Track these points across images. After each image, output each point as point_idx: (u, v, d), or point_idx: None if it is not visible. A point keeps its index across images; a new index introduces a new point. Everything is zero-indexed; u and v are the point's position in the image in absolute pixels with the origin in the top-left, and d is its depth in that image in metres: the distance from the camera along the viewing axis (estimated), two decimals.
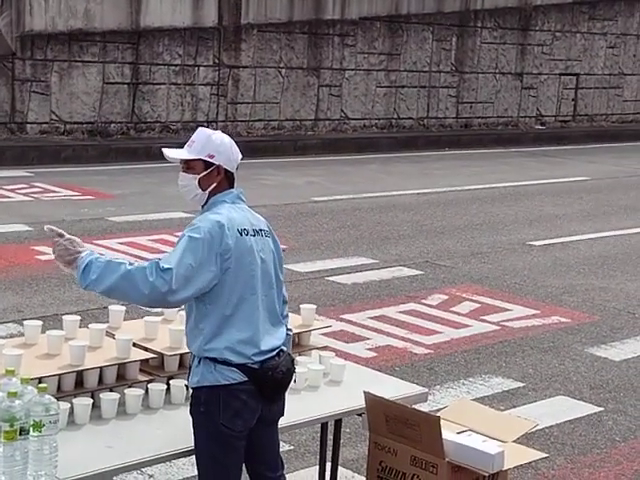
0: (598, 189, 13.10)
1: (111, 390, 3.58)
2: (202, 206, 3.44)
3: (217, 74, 14.32)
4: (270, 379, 3.34)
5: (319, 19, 15.16)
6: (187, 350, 3.78)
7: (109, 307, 4.12)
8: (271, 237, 3.50)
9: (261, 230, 3.44)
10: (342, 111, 15.76)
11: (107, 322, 4.04)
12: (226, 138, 3.46)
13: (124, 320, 4.08)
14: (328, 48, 15.39)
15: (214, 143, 3.41)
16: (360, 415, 3.92)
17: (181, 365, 3.79)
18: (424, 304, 7.43)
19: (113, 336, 3.77)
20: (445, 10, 16.56)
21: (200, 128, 3.54)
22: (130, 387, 3.63)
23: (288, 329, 3.57)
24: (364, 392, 3.74)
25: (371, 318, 7.01)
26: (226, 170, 3.42)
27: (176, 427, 3.51)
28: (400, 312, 7.20)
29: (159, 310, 4.14)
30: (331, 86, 15.56)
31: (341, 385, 4.04)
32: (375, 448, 3.76)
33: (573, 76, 18.73)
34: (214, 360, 3.29)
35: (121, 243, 8.58)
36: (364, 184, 12.30)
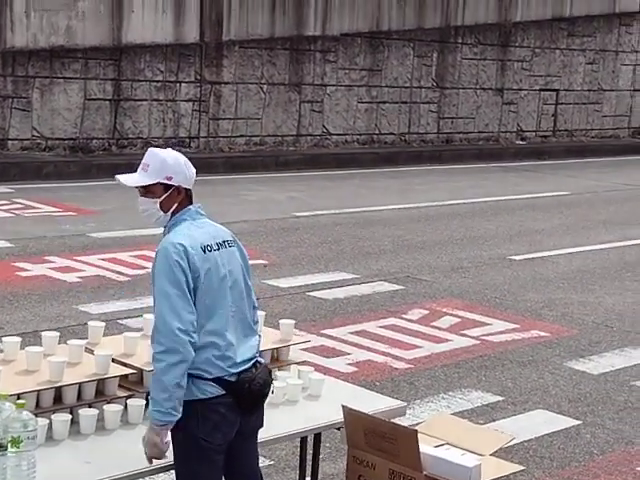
0: (578, 204, 13.20)
1: (90, 406, 3.59)
2: (165, 226, 3.45)
3: (199, 90, 14.36)
4: (247, 391, 3.36)
5: (300, 35, 15.25)
6: None
7: (88, 323, 4.13)
8: (236, 246, 3.49)
9: (224, 242, 3.44)
10: (324, 127, 15.83)
11: (87, 338, 4.05)
12: (180, 157, 3.43)
13: (104, 336, 4.09)
14: (309, 64, 15.47)
15: (169, 164, 3.38)
16: (339, 429, 3.94)
17: None
18: (404, 319, 7.46)
19: (92, 352, 3.78)
20: (426, 26, 16.68)
21: (150, 149, 3.48)
22: (109, 403, 3.64)
23: (257, 334, 3.57)
24: (342, 406, 3.76)
25: (352, 333, 7.04)
26: (185, 189, 3.42)
27: None
28: (381, 327, 7.23)
29: (139, 325, 4.15)
30: (312, 102, 15.63)
31: (320, 400, 4.07)
32: (354, 462, 3.78)
33: (553, 92, 18.89)
34: (190, 375, 3.29)
35: (102, 259, 8.58)
36: (345, 199, 12.35)
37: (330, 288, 8.13)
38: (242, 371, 3.37)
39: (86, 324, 4.33)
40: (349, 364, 6.40)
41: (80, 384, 3.58)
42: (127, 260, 8.60)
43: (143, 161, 3.42)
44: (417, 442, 3.58)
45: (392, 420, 3.98)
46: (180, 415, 3.24)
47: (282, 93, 15.25)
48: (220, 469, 3.43)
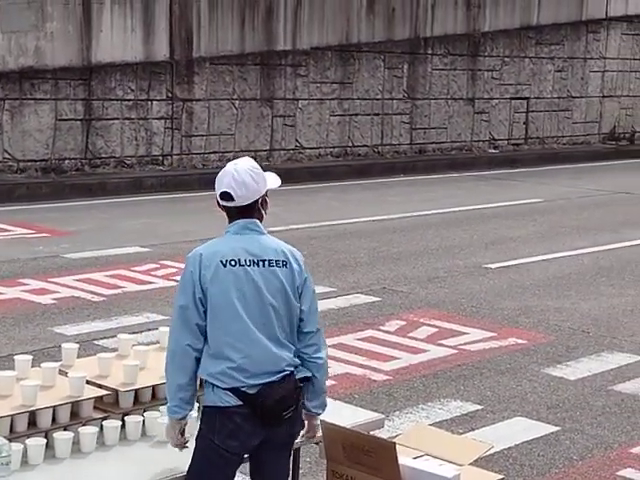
0: (551, 210, 13.27)
1: (65, 429, 3.56)
2: None
3: (171, 108, 14.34)
4: (260, 405, 3.43)
5: (271, 50, 15.27)
6: (142, 385, 3.78)
7: (62, 345, 4.10)
8: (286, 266, 3.50)
9: (264, 260, 3.48)
10: (297, 141, 15.85)
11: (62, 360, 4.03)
12: (221, 172, 3.54)
13: (78, 357, 4.06)
14: (281, 79, 15.49)
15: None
16: (317, 444, 3.93)
17: (136, 401, 3.79)
18: (382, 330, 7.46)
19: (66, 374, 3.75)
20: (395, 38, 16.76)
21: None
22: (84, 425, 3.61)
23: (313, 357, 3.57)
24: (320, 420, 3.75)
25: (329, 346, 6.98)
26: (222, 204, 3.54)
27: (132, 463, 3.50)
28: (358, 339, 7.23)
29: (114, 346, 4.13)
30: (285, 116, 15.65)
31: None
32: (333, 476, 3.77)
33: (523, 100, 19.02)
34: (211, 383, 3.45)
35: (77, 280, 8.53)
36: (320, 213, 12.36)
37: None
38: (264, 384, 3.43)
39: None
40: (327, 378, 6.38)
41: (54, 407, 3.55)
42: (102, 280, 8.55)
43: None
44: (396, 454, 3.57)
45: (371, 433, 3.98)
46: (187, 412, 3.46)
47: (254, 108, 15.26)
48: (225, 476, 3.50)
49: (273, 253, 3.51)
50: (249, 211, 3.52)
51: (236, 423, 3.41)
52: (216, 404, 3.42)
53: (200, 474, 3.47)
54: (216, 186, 3.53)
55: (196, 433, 3.52)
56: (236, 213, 3.52)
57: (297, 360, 3.55)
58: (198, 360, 3.44)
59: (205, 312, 3.41)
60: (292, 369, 3.52)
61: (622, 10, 20.28)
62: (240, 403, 3.41)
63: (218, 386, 3.42)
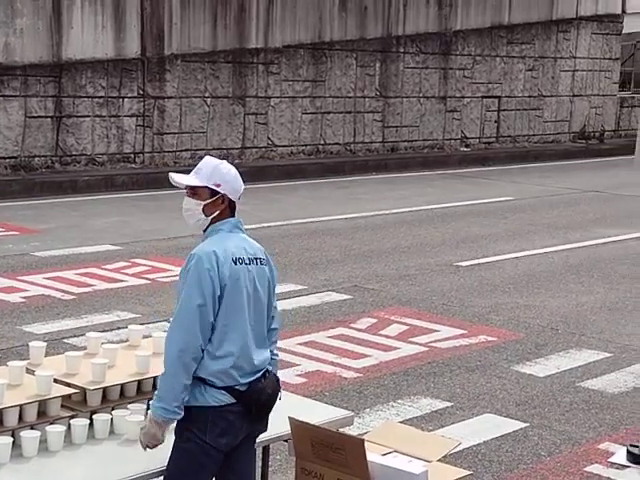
0: (522, 209, 13.36)
1: (32, 428, 3.54)
2: (203, 231, 3.57)
3: (142, 105, 14.28)
4: (256, 401, 3.49)
5: (243, 48, 15.25)
6: (110, 383, 3.77)
7: (29, 344, 4.08)
8: (267, 265, 3.61)
9: (257, 259, 3.56)
10: (269, 138, 15.84)
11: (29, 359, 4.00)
12: (232, 169, 3.58)
13: (47, 356, 4.04)
14: (253, 76, 15.47)
15: (221, 172, 3.53)
16: (287, 441, 3.93)
17: (104, 399, 3.77)
18: (353, 328, 7.48)
19: (34, 373, 3.73)
20: (367, 36, 16.79)
21: (207, 156, 3.67)
22: (52, 424, 3.59)
23: (274, 354, 3.70)
24: (289, 418, 3.76)
25: (300, 344, 7.04)
26: (230, 199, 3.54)
27: (100, 462, 3.49)
28: (329, 337, 7.24)
29: (84, 344, 4.12)
30: (257, 114, 15.63)
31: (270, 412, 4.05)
32: (302, 473, 3.78)
33: (495, 98, 19.12)
34: (203, 381, 3.43)
35: (47, 278, 8.48)
36: (292, 210, 12.36)
37: (278, 300, 8.09)
38: (252, 381, 3.50)
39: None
40: (298, 375, 6.40)
41: (21, 406, 3.53)
42: (72, 278, 8.50)
43: (198, 165, 3.58)
44: (364, 451, 3.59)
45: (340, 430, 3.99)
46: (182, 414, 3.40)
47: (226, 106, 15.23)
48: (210, 474, 3.53)
49: (260, 252, 3.60)
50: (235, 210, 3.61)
51: (228, 421, 3.45)
52: (209, 404, 3.43)
53: (185, 474, 3.46)
54: (237, 183, 3.55)
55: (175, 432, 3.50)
56: (232, 210, 3.58)
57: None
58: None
59: (218, 310, 3.42)
60: (269, 365, 3.62)
61: (592, 10, 20.44)
62: (234, 401, 3.46)
63: (213, 385, 3.43)
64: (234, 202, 3.57)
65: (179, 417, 3.41)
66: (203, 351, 3.41)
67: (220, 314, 3.43)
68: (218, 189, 3.51)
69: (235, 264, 3.45)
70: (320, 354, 6.84)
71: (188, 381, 3.39)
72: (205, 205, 3.52)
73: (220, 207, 3.53)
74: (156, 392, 3.44)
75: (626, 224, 12.36)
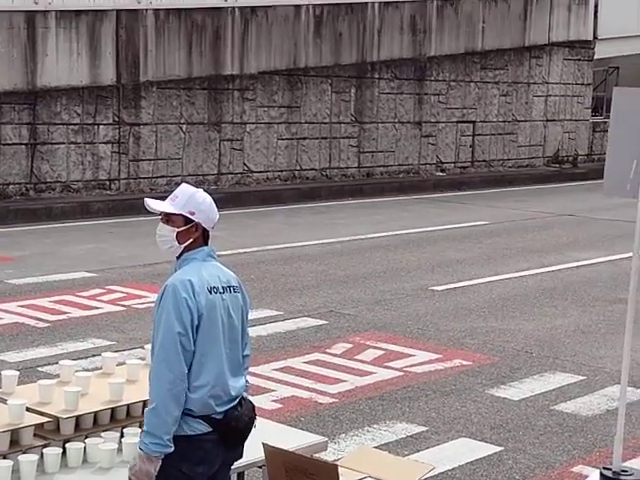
0: (497, 233, 13.45)
1: (5, 457, 3.52)
2: (177, 257, 3.59)
3: (118, 132, 14.29)
4: (233, 429, 3.49)
5: (218, 74, 15.32)
6: (83, 412, 3.77)
7: (2, 372, 4.06)
8: (240, 293, 3.64)
9: (230, 287, 3.58)
10: (244, 164, 15.88)
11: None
12: (208, 198, 3.60)
13: (19, 384, 4.02)
14: (228, 103, 15.53)
15: (196, 201, 3.56)
16: (261, 467, 3.93)
17: (77, 427, 3.76)
18: (328, 353, 7.49)
19: (6, 402, 3.72)
20: (342, 62, 16.91)
21: (184, 184, 3.69)
22: (24, 453, 3.57)
23: (246, 381, 3.70)
24: (263, 444, 3.76)
25: (276, 370, 7.04)
26: (204, 228, 3.57)
27: None
28: (305, 362, 7.25)
29: (57, 372, 4.10)
30: (233, 140, 15.68)
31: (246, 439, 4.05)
32: None
33: (470, 123, 19.28)
34: (185, 412, 3.41)
35: (21, 306, 8.44)
36: (268, 236, 12.38)
37: (254, 325, 8.10)
38: (228, 409, 3.50)
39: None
40: (274, 401, 6.40)
41: None
42: (47, 306, 8.47)
43: (174, 192, 3.61)
44: (338, 477, 3.60)
45: (314, 455, 3.99)
46: (173, 447, 3.38)
47: (202, 132, 15.27)
48: None
49: (233, 280, 3.63)
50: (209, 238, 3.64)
51: (205, 449, 3.45)
52: (186, 433, 3.43)
53: None
54: (212, 213, 3.58)
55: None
56: (206, 239, 3.61)
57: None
58: None
59: (195, 340, 3.43)
60: (244, 391, 3.62)
61: (564, 36, 20.70)
62: (210, 429, 3.46)
63: (190, 414, 3.42)
64: (208, 231, 3.60)
65: (172, 450, 3.37)
66: (186, 380, 3.41)
67: (197, 343, 3.44)
68: (192, 217, 3.54)
69: (210, 293, 3.48)
70: (296, 379, 6.84)
71: (179, 412, 3.38)
72: (179, 232, 3.54)
73: (194, 235, 3.55)
74: (145, 428, 3.38)
75: (599, 247, 12.47)
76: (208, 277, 3.50)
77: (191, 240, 3.55)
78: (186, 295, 3.41)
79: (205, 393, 3.44)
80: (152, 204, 3.60)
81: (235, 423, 3.49)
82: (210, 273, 3.52)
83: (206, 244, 3.60)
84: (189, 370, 3.41)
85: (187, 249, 3.56)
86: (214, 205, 3.61)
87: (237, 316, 3.59)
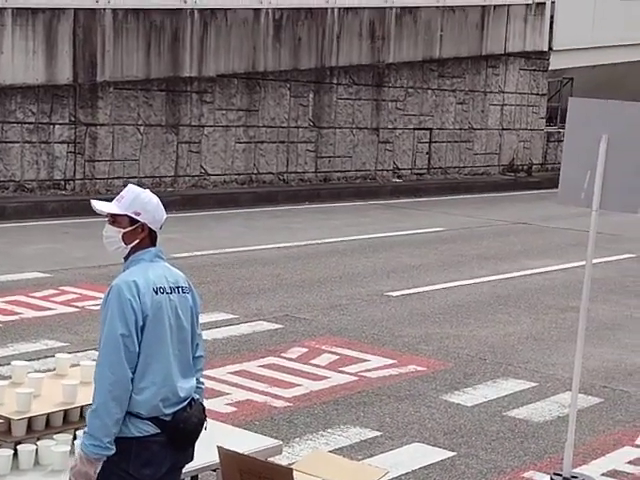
0: (452, 239, 13.55)
1: None
2: (124, 258, 3.57)
3: (74, 132, 14.16)
4: (181, 431, 3.46)
5: (176, 76, 15.25)
6: (35, 413, 3.73)
7: None
8: (190, 293, 3.61)
9: (179, 287, 3.56)
10: (202, 167, 15.83)
11: None
12: (154, 198, 3.58)
13: None
14: (186, 105, 15.47)
15: (142, 201, 3.54)
16: (215, 470, 3.92)
17: (29, 429, 3.72)
18: (284, 357, 7.49)
19: None
20: (301, 67, 16.94)
21: (130, 185, 3.66)
22: None
23: (200, 382, 3.68)
24: (217, 447, 3.76)
25: (231, 373, 7.02)
26: (150, 229, 3.55)
27: None
28: (260, 366, 7.24)
29: (7, 374, 4.06)
30: (190, 142, 15.62)
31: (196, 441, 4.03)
32: None
33: (426, 130, 19.41)
34: (128, 413, 3.39)
35: None
36: (224, 239, 12.35)
37: (209, 329, 8.08)
38: (177, 411, 3.47)
39: None
40: (228, 404, 6.38)
41: None
42: None
43: (120, 193, 3.58)
44: None
45: (269, 459, 4.00)
46: (114, 449, 3.36)
47: (159, 134, 15.19)
48: None
49: (182, 280, 3.61)
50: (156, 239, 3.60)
51: (152, 451, 3.43)
52: (133, 435, 3.40)
53: None
54: (158, 213, 3.56)
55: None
56: (153, 240, 3.58)
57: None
58: None
59: (140, 341, 3.40)
60: (193, 394, 3.59)
61: (520, 46, 20.93)
62: (158, 431, 3.43)
63: (138, 416, 3.40)
64: (155, 231, 3.58)
65: (112, 452, 3.35)
66: (131, 381, 3.38)
67: (143, 345, 3.41)
68: (138, 218, 3.52)
69: (156, 294, 3.46)
70: (251, 383, 6.83)
71: (121, 415, 3.36)
72: (125, 233, 3.52)
73: (140, 236, 3.53)
74: (86, 429, 3.37)
75: (552, 256, 12.62)
76: (154, 278, 3.48)
77: (137, 241, 3.53)
78: (130, 296, 3.39)
79: (152, 394, 3.41)
80: (97, 205, 3.59)
81: (183, 425, 3.47)
82: (157, 274, 3.51)
83: (154, 245, 3.58)
84: (135, 372, 3.39)
85: (134, 250, 3.54)
86: (161, 205, 3.60)
87: (186, 317, 3.56)
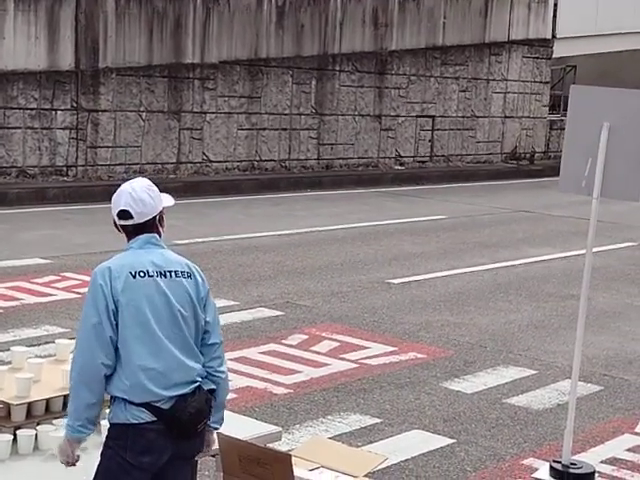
0: (454, 227, 13.54)
1: None
2: None
3: (76, 118, 14.14)
4: (177, 420, 3.42)
5: (179, 63, 15.22)
6: (35, 398, 3.74)
7: None
8: (191, 278, 3.57)
9: (171, 271, 3.52)
10: (204, 154, 15.81)
11: None
12: (118, 191, 3.57)
13: None
14: (189, 91, 15.45)
15: (113, 199, 3.59)
16: (214, 456, 3.93)
17: (29, 414, 3.73)
18: (284, 344, 7.50)
19: None
20: (304, 54, 16.90)
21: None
22: None
23: (218, 371, 3.60)
24: (217, 433, 3.75)
25: (231, 360, 7.00)
26: (120, 224, 3.57)
27: (24, 478, 3.45)
28: (260, 353, 7.25)
29: (8, 359, 4.07)
30: (192, 129, 15.60)
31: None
32: None
33: (429, 118, 19.38)
34: (123, 399, 3.40)
35: None
36: (226, 226, 12.35)
37: None
38: (177, 397, 3.44)
39: None
40: (228, 392, 6.38)
41: None
42: (0, 292, 8.37)
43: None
44: (291, 466, 3.60)
45: (268, 445, 4.00)
46: (91, 432, 3.40)
47: (161, 121, 15.17)
48: None
49: (178, 265, 3.57)
50: (148, 228, 3.56)
51: (149, 439, 3.40)
52: (129, 421, 3.39)
53: None
54: (113, 207, 3.57)
55: (101, 449, 3.47)
56: (135, 231, 3.56)
57: (204, 371, 3.57)
58: (107, 377, 3.40)
59: (117, 325, 3.40)
60: (201, 380, 3.54)
61: (523, 34, 20.88)
62: (154, 419, 3.40)
63: (131, 402, 3.38)
64: (126, 225, 3.55)
65: (85, 435, 3.40)
66: (109, 367, 3.37)
67: (121, 328, 3.40)
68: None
69: (134, 277, 3.45)
70: (251, 370, 6.84)
71: (93, 399, 3.36)
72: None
73: (122, 232, 3.59)
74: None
75: (554, 244, 12.62)
76: (135, 262, 3.48)
77: (123, 233, 3.58)
78: (102, 282, 3.43)
79: (140, 379, 3.38)
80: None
81: (179, 414, 3.42)
82: (140, 259, 3.50)
83: (140, 234, 3.56)
84: (119, 357, 3.39)
85: (128, 240, 3.59)
86: (122, 196, 3.54)
87: (181, 301, 3.50)
